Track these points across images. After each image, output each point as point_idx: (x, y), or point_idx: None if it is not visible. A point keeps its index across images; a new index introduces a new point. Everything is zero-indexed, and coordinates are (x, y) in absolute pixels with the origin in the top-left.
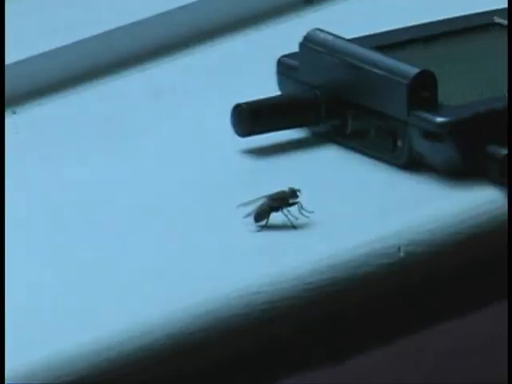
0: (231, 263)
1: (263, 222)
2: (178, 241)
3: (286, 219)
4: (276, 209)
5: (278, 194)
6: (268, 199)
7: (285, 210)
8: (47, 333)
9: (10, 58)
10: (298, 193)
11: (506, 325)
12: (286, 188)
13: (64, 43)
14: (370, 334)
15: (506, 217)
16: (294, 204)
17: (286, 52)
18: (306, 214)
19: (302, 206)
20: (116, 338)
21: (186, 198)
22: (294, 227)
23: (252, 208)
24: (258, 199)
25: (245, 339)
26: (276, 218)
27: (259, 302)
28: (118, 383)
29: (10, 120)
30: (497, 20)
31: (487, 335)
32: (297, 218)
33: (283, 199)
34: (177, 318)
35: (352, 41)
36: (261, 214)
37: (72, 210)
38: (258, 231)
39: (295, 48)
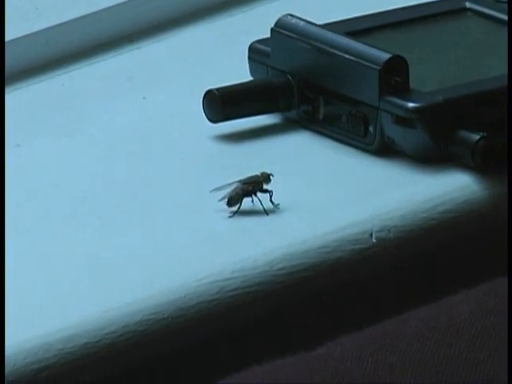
0: (203, 249)
1: (235, 207)
2: (150, 226)
3: (259, 204)
4: (249, 193)
5: (251, 178)
6: (241, 183)
7: (257, 196)
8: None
9: None
10: (271, 177)
11: (475, 310)
12: (258, 173)
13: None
14: (342, 320)
15: (477, 202)
16: (266, 190)
17: (258, 38)
18: (275, 203)
19: (272, 195)
20: (93, 323)
21: (159, 184)
22: (266, 213)
23: (225, 192)
24: (230, 184)
25: (215, 325)
26: (248, 203)
27: (230, 288)
28: (87, 369)
29: None
30: (468, 5)
31: (458, 320)
32: (277, 204)
33: (256, 183)
34: (147, 305)
35: (323, 26)
36: (234, 199)
37: (39, 196)
38: (229, 217)
39: (267, 33)
